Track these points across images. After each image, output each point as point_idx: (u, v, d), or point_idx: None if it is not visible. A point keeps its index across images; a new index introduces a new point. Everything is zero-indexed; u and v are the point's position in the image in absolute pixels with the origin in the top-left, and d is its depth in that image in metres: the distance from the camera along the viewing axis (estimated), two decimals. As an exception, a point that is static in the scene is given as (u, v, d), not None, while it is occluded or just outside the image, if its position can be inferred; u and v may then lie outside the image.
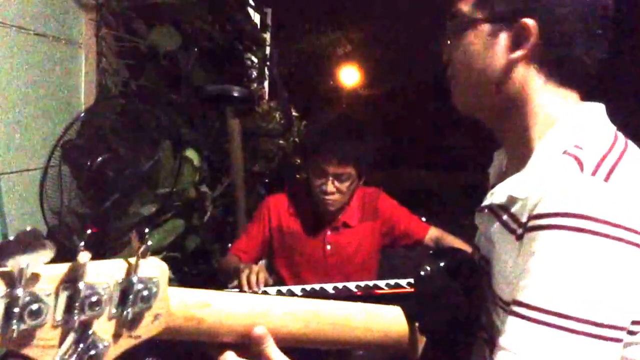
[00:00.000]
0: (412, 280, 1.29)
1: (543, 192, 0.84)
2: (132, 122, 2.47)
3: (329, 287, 2.18)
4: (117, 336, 0.69)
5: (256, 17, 4.39)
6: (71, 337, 0.65)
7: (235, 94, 2.96)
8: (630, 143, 0.94)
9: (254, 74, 4.27)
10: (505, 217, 0.94)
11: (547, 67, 0.95)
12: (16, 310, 0.60)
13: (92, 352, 0.67)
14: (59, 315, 0.64)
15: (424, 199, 7.13)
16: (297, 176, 4.28)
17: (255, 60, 4.17)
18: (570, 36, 0.92)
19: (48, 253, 0.61)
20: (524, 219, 0.88)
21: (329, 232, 2.45)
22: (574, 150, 0.88)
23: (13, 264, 0.59)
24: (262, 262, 2.52)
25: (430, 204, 6.67)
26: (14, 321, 0.60)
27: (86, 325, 0.66)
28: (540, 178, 0.87)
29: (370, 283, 2.25)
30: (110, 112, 2.40)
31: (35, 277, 0.62)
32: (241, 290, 2.06)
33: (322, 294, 2.11)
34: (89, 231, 0.66)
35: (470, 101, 1.04)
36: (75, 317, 0.64)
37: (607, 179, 0.84)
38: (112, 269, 0.68)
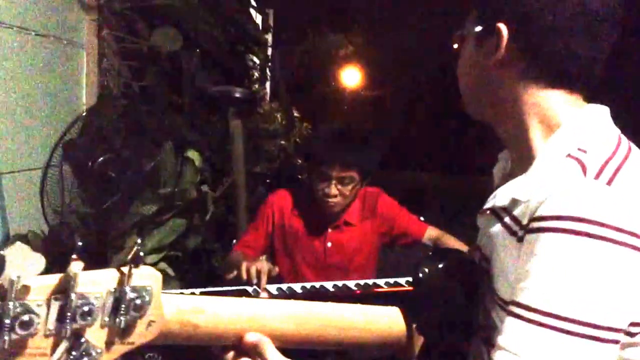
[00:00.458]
0: (411, 279, 1.30)
1: (545, 195, 0.85)
2: (134, 123, 2.48)
3: (328, 285, 2.19)
4: (110, 343, 0.70)
5: (258, 18, 4.41)
6: (63, 346, 0.66)
7: (237, 95, 2.97)
8: (634, 147, 0.94)
9: (256, 75, 4.28)
10: (507, 219, 0.94)
11: (529, 67, 0.94)
12: (7, 321, 0.61)
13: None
14: (51, 325, 0.65)
15: (426, 199, 7.13)
16: (299, 177, 4.29)
17: (257, 61, 4.18)
18: (544, 33, 0.91)
19: (38, 265, 0.62)
20: (525, 221, 0.88)
21: (330, 230, 2.46)
22: (578, 153, 0.88)
23: (3, 277, 0.60)
24: (262, 258, 2.52)
25: (432, 204, 6.67)
26: (5, 332, 0.61)
27: (78, 334, 0.67)
28: (543, 181, 0.88)
29: (370, 281, 2.25)
30: (112, 112, 2.41)
31: (25, 289, 0.62)
32: (240, 282, 2.06)
33: (322, 292, 2.11)
34: (79, 243, 0.67)
35: (472, 107, 1.05)
36: (67, 327, 0.65)
37: (610, 182, 0.84)
38: (104, 279, 0.69)
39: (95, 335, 0.69)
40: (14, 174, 2.28)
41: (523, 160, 0.96)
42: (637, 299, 0.81)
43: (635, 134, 1.00)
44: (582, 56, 0.92)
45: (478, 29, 0.98)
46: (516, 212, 0.92)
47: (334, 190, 2.30)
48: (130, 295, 0.70)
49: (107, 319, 0.69)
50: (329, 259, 2.45)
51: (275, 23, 5.53)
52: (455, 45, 1.07)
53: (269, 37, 4.89)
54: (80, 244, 0.67)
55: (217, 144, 3.33)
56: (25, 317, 0.62)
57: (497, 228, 0.96)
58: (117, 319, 0.69)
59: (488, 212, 0.99)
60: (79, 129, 2.19)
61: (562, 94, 0.95)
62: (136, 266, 0.69)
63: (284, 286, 2.16)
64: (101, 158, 2.21)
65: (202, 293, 2.04)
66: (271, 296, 2.06)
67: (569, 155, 0.89)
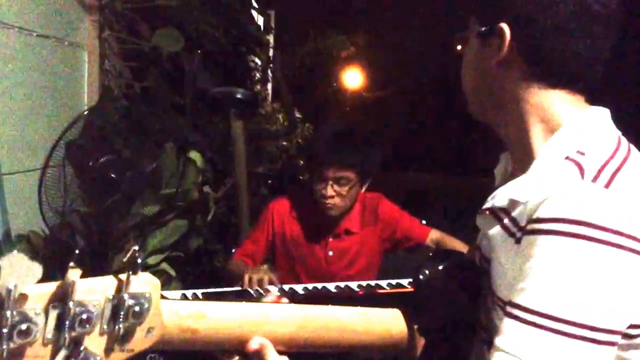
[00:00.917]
0: (412, 281, 1.30)
1: (543, 197, 0.85)
2: (135, 124, 2.48)
3: (331, 287, 2.18)
4: (109, 350, 0.70)
5: (260, 20, 4.41)
6: (62, 354, 0.66)
7: (239, 96, 2.97)
8: (634, 149, 0.94)
9: (258, 76, 4.28)
10: (506, 220, 0.94)
11: (531, 67, 0.95)
12: (5, 330, 0.60)
13: None
14: (49, 333, 0.64)
15: (429, 201, 7.13)
16: (300, 177, 4.29)
17: (258, 62, 4.18)
18: (544, 33, 0.92)
19: (36, 274, 0.61)
20: (523, 223, 0.89)
21: (330, 239, 2.45)
22: (576, 155, 0.88)
23: (0, 286, 0.59)
24: (265, 267, 2.51)
25: (435, 206, 6.66)
26: (3, 341, 0.61)
27: (77, 342, 0.67)
28: (542, 183, 0.88)
29: (372, 282, 2.24)
30: (113, 113, 2.41)
31: (23, 297, 0.62)
32: (244, 289, 2.06)
33: (324, 293, 2.11)
34: (77, 251, 0.67)
35: (475, 107, 1.06)
36: (66, 334, 0.65)
37: (608, 185, 0.84)
38: (102, 286, 0.68)
39: (94, 343, 0.68)
40: (16, 175, 2.28)
41: (524, 160, 0.97)
42: (635, 300, 0.81)
43: (637, 136, 1.00)
44: (583, 56, 0.92)
45: (481, 29, 0.98)
46: (514, 213, 0.92)
47: (330, 191, 2.28)
48: (129, 302, 0.69)
49: (105, 326, 0.68)
50: (330, 267, 2.43)
51: (276, 24, 5.54)
52: (459, 47, 1.07)
53: (271, 38, 4.89)
54: (77, 251, 0.67)
55: (219, 144, 3.33)
56: (23, 326, 0.62)
57: (495, 229, 0.96)
58: (116, 326, 0.69)
59: (487, 212, 0.99)
60: (80, 130, 2.19)
61: (564, 95, 0.95)
62: (134, 273, 0.69)
63: (286, 287, 2.15)
64: (102, 159, 2.21)
65: (203, 294, 2.04)
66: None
67: (567, 157, 0.89)
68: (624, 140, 0.94)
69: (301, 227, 2.44)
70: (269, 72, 4.28)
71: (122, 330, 0.69)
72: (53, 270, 0.68)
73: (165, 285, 2.48)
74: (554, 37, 0.91)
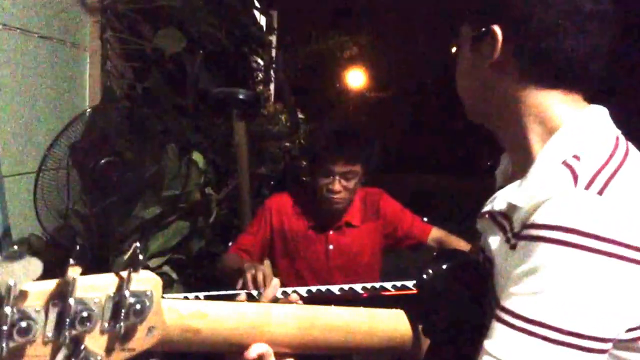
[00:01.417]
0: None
1: (537, 203, 0.85)
2: (137, 125, 2.47)
3: (334, 289, 2.17)
4: (109, 350, 0.69)
5: (262, 20, 4.40)
6: (62, 353, 0.65)
7: (241, 97, 2.96)
8: (632, 150, 0.93)
9: (260, 76, 4.27)
10: (504, 224, 0.95)
11: (525, 68, 0.94)
12: (5, 328, 0.60)
13: None
14: (50, 332, 0.64)
15: (432, 202, 7.12)
16: (304, 178, 4.27)
17: (261, 62, 4.17)
18: (536, 33, 0.92)
19: (36, 270, 0.60)
20: (517, 229, 0.89)
21: (331, 232, 2.44)
22: (572, 161, 0.88)
23: (0, 283, 0.59)
24: (267, 262, 2.50)
25: (438, 207, 6.65)
26: (3, 339, 0.60)
27: (78, 341, 0.66)
28: (537, 188, 0.88)
29: (377, 284, 2.23)
30: (115, 115, 2.40)
31: (23, 295, 0.61)
32: (246, 289, 2.04)
33: (328, 296, 2.09)
34: (77, 247, 0.66)
35: (472, 111, 1.06)
36: (66, 333, 0.64)
37: (601, 192, 0.84)
38: (103, 284, 0.68)
39: (95, 342, 0.67)
40: (17, 177, 2.27)
41: (523, 163, 0.96)
42: (627, 307, 0.81)
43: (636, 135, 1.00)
44: (576, 54, 0.92)
45: (473, 34, 0.99)
46: (512, 217, 0.92)
47: (337, 186, 2.28)
48: (130, 300, 0.68)
49: (106, 324, 0.68)
50: (332, 261, 2.42)
51: (279, 24, 5.53)
52: (454, 50, 1.07)
53: (273, 39, 4.88)
54: (78, 247, 0.65)
55: (221, 146, 3.31)
56: (24, 324, 0.61)
57: (494, 233, 0.97)
58: (117, 325, 0.68)
59: (486, 216, 1.00)
60: (81, 131, 2.18)
61: (560, 94, 0.95)
62: (135, 270, 0.68)
63: (289, 290, 2.14)
64: (103, 160, 2.20)
65: (206, 297, 2.02)
66: (275, 299, 2.04)
67: (564, 162, 0.89)
68: (622, 141, 0.94)
69: (300, 222, 2.44)
70: (272, 72, 4.27)
71: (123, 329, 0.68)
72: (54, 275, 0.66)
73: (168, 288, 2.47)
74: (545, 36, 0.91)
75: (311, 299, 2.05)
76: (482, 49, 0.97)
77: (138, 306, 0.69)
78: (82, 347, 0.66)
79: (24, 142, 2.31)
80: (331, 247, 2.43)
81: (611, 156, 0.89)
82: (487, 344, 0.84)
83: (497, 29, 0.94)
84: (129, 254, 0.67)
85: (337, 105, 9.37)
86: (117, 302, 0.68)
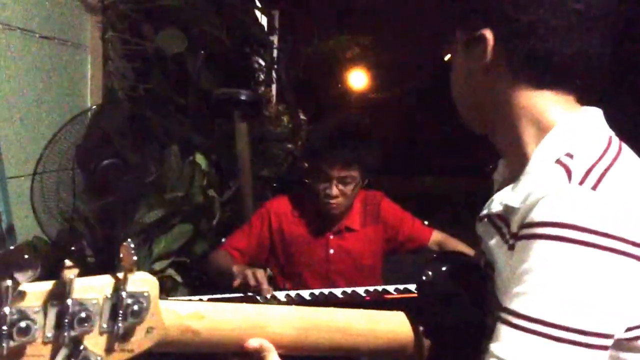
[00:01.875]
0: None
1: (532, 202, 0.86)
2: (139, 126, 2.45)
3: (337, 292, 2.15)
4: (109, 351, 0.69)
5: (263, 20, 4.38)
6: (62, 353, 0.66)
7: (243, 98, 2.94)
8: (625, 149, 0.94)
9: (262, 77, 4.26)
10: (501, 226, 0.95)
11: (517, 69, 0.95)
12: (4, 328, 0.60)
13: None
14: (49, 332, 0.64)
15: (435, 203, 7.09)
16: (306, 180, 4.25)
17: (262, 63, 4.16)
18: (526, 34, 0.92)
19: (34, 270, 0.60)
20: (514, 229, 0.89)
21: (331, 237, 2.41)
22: (565, 159, 0.89)
23: None
24: (268, 271, 2.46)
25: (441, 208, 6.63)
26: (3, 339, 0.60)
27: (77, 341, 0.66)
28: (532, 188, 0.88)
29: (379, 288, 2.21)
30: (117, 116, 2.38)
31: (21, 295, 0.62)
32: (248, 286, 2.01)
33: (330, 299, 2.08)
34: (73, 248, 0.66)
35: (466, 116, 1.07)
36: (66, 333, 0.64)
37: (595, 187, 0.84)
38: (100, 285, 0.68)
39: (94, 342, 0.68)
40: (21, 179, 2.25)
41: (518, 165, 0.97)
42: (626, 303, 0.82)
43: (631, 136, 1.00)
44: (567, 54, 0.92)
45: (465, 38, 0.99)
46: (509, 219, 0.93)
47: (335, 191, 2.25)
48: (127, 301, 0.69)
49: (105, 325, 0.68)
50: (332, 266, 2.39)
51: (281, 25, 5.52)
52: (448, 56, 1.08)
53: (275, 39, 4.87)
54: (74, 248, 0.64)
55: (223, 147, 3.29)
56: (23, 324, 0.62)
57: (493, 235, 0.97)
58: (116, 326, 0.68)
59: (485, 219, 1.00)
60: (82, 132, 2.16)
61: (552, 96, 0.95)
62: (131, 272, 0.69)
63: (292, 293, 2.12)
64: (105, 162, 2.18)
65: (210, 300, 2.00)
66: (279, 303, 2.02)
67: (558, 160, 0.89)
68: (615, 140, 0.94)
69: (300, 226, 2.40)
70: (274, 73, 4.25)
71: (121, 330, 0.69)
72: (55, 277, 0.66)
73: (172, 291, 2.45)
74: (534, 38, 0.92)
75: (314, 303, 2.03)
76: (474, 53, 0.98)
77: (135, 307, 0.70)
78: (82, 347, 0.67)
79: (25, 143, 2.29)
80: (332, 251, 2.40)
81: (604, 153, 0.90)
82: (493, 346, 0.84)
83: (487, 32, 0.94)
84: (122, 254, 0.68)
85: (339, 106, 9.36)
86: (115, 302, 0.68)
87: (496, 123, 1.00)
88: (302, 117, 4.81)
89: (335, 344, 0.92)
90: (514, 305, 0.83)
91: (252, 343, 0.84)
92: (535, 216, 0.84)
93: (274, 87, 4.86)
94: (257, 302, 2.02)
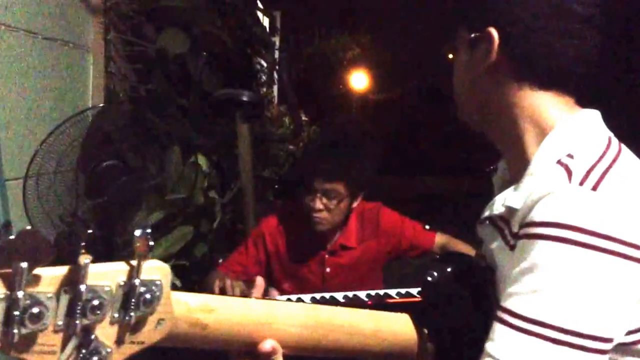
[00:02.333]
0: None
1: (533, 202, 0.86)
2: (140, 127, 2.44)
3: (339, 297, 2.14)
4: (119, 342, 0.67)
5: (265, 21, 4.38)
6: (73, 343, 0.63)
7: (245, 99, 2.94)
8: (625, 150, 0.94)
9: (263, 78, 4.25)
10: (503, 228, 0.95)
11: (519, 69, 0.96)
12: (17, 313, 0.57)
13: (95, 359, 0.65)
14: (60, 320, 0.62)
15: (438, 204, 7.09)
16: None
17: (264, 64, 4.15)
18: (529, 35, 0.93)
19: (49, 254, 0.58)
20: (515, 229, 0.90)
21: (327, 256, 2.37)
22: (566, 159, 0.89)
23: (13, 265, 0.56)
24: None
25: (444, 209, 6.63)
26: (15, 325, 0.58)
27: (88, 330, 0.64)
28: (533, 188, 0.88)
29: (381, 292, 2.20)
30: (118, 117, 2.37)
31: (36, 279, 0.59)
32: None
33: (332, 303, 2.07)
34: (90, 231, 0.64)
35: (467, 115, 1.07)
36: (77, 322, 0.62)
37: (595, 187, 0.84)
38: (113, 271, 0.66)
39: (105, 333, 0.66)
40: (19, 180, 2.24)
41: (519, 166, 0.97)
42: (625, 306, 0.81)
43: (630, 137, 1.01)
44: (568, 56, 0.94)
45: (469, 36, 1.00)
46: (510, 220, 0.93)
47: (318, 204, 2.20)
48: (140, 289, 0.67)
49: (116, 314, 0.66)
50: (329, 283, 2.36)
51: (282, 25, 5.51)
52: (450, 55, 1.08)
53: (276, 40, 4.86)
54: (89, 235, 0.63)
55: (224, 148, 3.28)
56: (35, 310, 0.59)
57: (495, 237, 0.98)
58: (127, 315, 0.66)
59: (486, 221, 1.00)
60: (81, 133, 2.15)
61: (554, 97, 0.96)
62: (145, 258, 0.66)
63: (293, 297, 2.11)
64: (105, 164, 2.18)
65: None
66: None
67: (558, 161, 0.90)
68: (614, 141, 0.95)
69: (296, 246, 2.37)
70: (275, 74, 4.25)
71: (133, 320, 0.67)
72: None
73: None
74: (538, 38, 0.93)
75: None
76: (478, 51, 0.98)
77: (148, 295, 0.67)
78: (93, 337, 0.64)
79: (26, 145, 2.28)
80: (328, 269, 2.37)
81: (604, 154, 0.90)
82: (488, 345, 0.84)
83: (493, 31, 0.95)
84: (136, 241, 0.65)
85: (340, 107, 9.35)
86: (128, 290, 0.66)
87: (497, 122, 1.01)
88: (303, 117, 4.81)
89: (340, 342, 0.92)
90: (511, 304, 0.83)
91: (266, 345, 0.83)
92: (536, 216, 0.84)
93: (275, 88, 4.85)
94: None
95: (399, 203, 2.61)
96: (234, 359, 0.86)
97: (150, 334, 0.70)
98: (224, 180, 3.29)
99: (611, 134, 0.96)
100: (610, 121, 0.98)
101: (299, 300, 2.08)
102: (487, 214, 1.00)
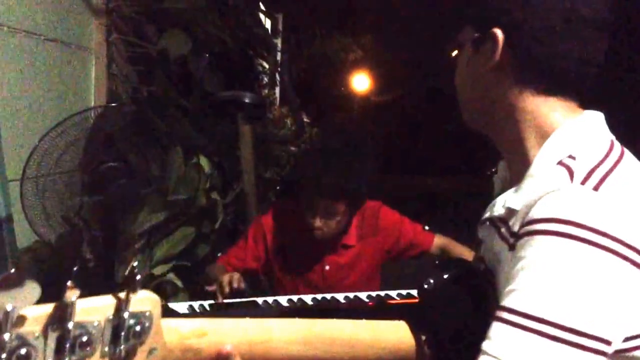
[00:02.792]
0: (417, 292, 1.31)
1: (533, 201, 0.86)
2: (142, 128, 2.45)
3: (340, 297, 2.14)
4: None
5: (267, 23, 4.38)
6: None
7: (247, 100, 2.94)
8: (627, 153, 0.94)
9: (265, 79, 4.25)
10: (503, 229, 0.95)
11: (524, 72, 0.95)
12: (4, 356, 0.57)
13: None
14: (50, 358, 0.61)
15: (439, 204, 7.08)
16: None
17: (266, 65, 4.15)
18: (535, 38, 0.93)
19: (34, 294, 0.58)
20: (516, 229, 0.89)
21: (326, 254, 2.38)
22: (567, 160, 0.89)
23: None
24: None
25: (445, 209, 6.62)
26: None
27: None
28: (534, 189, 0.88)
29: (382, 293, 2.20)
30: (120, 118, 2.37)
31: (21, 319, 0.59)
32: (252, 301, 2.02)
33: (333, 304, 2.07)
34: (75, 268, 0.63)
35: (469, 115, 1.06)
36: (67, 359, 0.62)
37: (596, 188, 0.84)
38: (101, 306, 0.65)
39: None
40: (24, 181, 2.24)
41: (520, 168, 0.97)
42: (623, 308, 0.80)
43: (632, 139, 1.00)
44: (574, 60, 0.93)
45: (474, 36, 0.99)
46: (511, 221, 0.92)
47: (318, 222, 2.21)
48: (130, 322, 0.66)
49: (107, 349, 0.65)
50: (328, 281, 2.37)
51: (284, 27, 5.51)
52: (454, 54, 1.08)
53: (278, 42, 4.87)
54: (76, 268, 0.62)
55: (227, 149, 3.28)
56: (23, 351, 0.58)
57: (495, 239, 0.97)
58: (117, 349, 0.66)
59: (487, 222, 1.00)
60: (81, 133, 2.16)
61: (557, 101, 0.96)
62: (133, 291, 0.66)
63: (295, 298, 2.11)
64: (107, 164, 2.18)
65: (210, 305, 2.00)
66: (282, 308, 2.02)
67: (559, 162, 0.89)
68: (616, 144, 0.94)
69: (295, 242, 2.37)
70: (277, 75, 4.25)
71: (123, 353, 0.66)
72: (60, 281, 0.63)
73: (172, 297, 2.44)
74: (545, 41, 0.92)
75: (316, 307, 2.02)
76: (482, 52, 0.98)
77: (138, 327, 0.67)
78: None
79: (29, 145, 2.28)
80: (327, 267, 2.37)
81: (606, 156, 0.90)
82: (485, 343, 0.83)
83: (498, 31, 0.94)
84: (126, 273, 0.65)
85: (341, 108, 9.34)
86: (117, 324, 0.66)
87: (498, 124, 1.00)
88: (305, 119, 4.81)
89: (341, 357, 0.91)
90: (508, 301, 0.82)
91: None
92: (535, 213, 0.84)
93: (277, 89, 4.86)
94: (258, 306, 2.02)
95: (400, 202, 2.61)
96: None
97: None
98: (226, 181, 3.29)
99: (613, 137, 0.96)
100: (612, 122, 0.97)
101: (300, 300, 2.08)
102: (487, 215, 1.00)
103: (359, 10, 9.19)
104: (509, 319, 0.81)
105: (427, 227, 2.50)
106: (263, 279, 2.58)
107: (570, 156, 0.89)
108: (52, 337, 0.61)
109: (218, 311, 1.95)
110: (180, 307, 1.93)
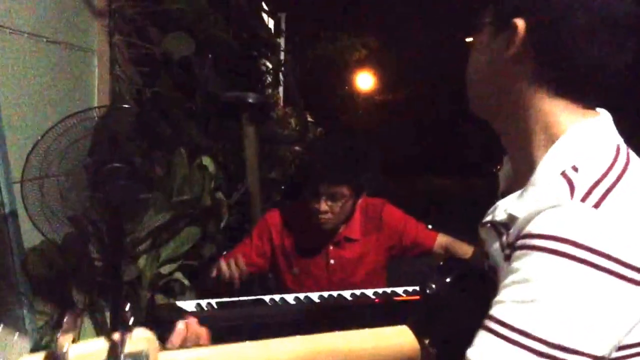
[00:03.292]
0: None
1: (532, 214, 0.85)
2: (146, 130, 2.45)
3: (346, 294, 2.14)
4: None
5: (270, 23, 4.38)
6: None
7: (251, 101, 2.94)
8: (633, 160, 0.92)
9: (269, 79, 4.25)
10: (503, 234, 0.94)
11: (541, 68, 0.93)
12: None
13: None
14: None
15: (443, 204, 7.08)
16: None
17: (270, 65, 4.15)
18: (565, 35, 0.90)
19: (23, 348, 0.58)
20: (511, 239, 0.89)
21: (331, 247, 2.41)
22: (570, 172, 0.88)
23: None
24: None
25: (449, 209, 6.62)
26: None
27: None
28: (535, 199, 0.87)
29: (389, 290, 2.20)
30: (123, 119, 2.37)
31: None
32: (259, 298, 2.02)
33: (340, 301, 2.07)
34: (67, 317, 0.62)
35: (478, 104, 1.04)
36: None
37: (597, 205, 0.83)
38: (95, 351, 0.64)
39: None
40: (28, 182, 2.24)
41: (524, 167, 0.96)
42: (617, 326, 0.80)
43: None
44: (590, 60, 0.90)
45: (496, 20, 0.97)
46: (510, 229, 0.92)
47: (323, 206, 2.26)
48: None
49: None
50: (334, 276, 2.40)
51: (287, 27, 5.51)
52: (471, 38, 1.06)
53: (282, 42, 4.86)
54: (68, 314, 0.61)
55: (231, 150, 3.29)
56: None
57: (495, 242, 0.97)
58: None
59: (488, 225, 0.99)
60: (82, 133, 2.15)
61: (570, 104, 0.94)
62: (129, 332, 0.65)
63: (302, 295, 2.11)
64: (111, 165, 2.18)
65: (218, 303, 2.00)
66: (289, 306, 2.02)
67: (562, 173, 0.88)
68: (622, 150, 0.92)
69: (300, 238, 2.41)
70: (281, 75, 4.25)
71: None
72: (66, 281, 0.62)
73: (180, 295, 2.46)
74: (573, 40, 0.89)
75: (323, 305, 2.02)
76: (501, 38, 0.95)
77: None
78: None
79: (30, 147, 2.29)
80: (332, 261, 2.40)
81: (610, 168, 0.88)
82: (469, 350, 0.83)
83: (520, 22, 0.92)
84: (119, 315, 0.65)
85: (346, 108, 9.35)
86: None
87: (506, 115, 0.98)
88: (309, 119, 4.82)
89: None
90: (498, 312, 0.82)
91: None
92: (533, 228, 0.83)
93: (281, 89, 4.85)
94: (265, 304, 2.02)
95: (404, 201, 2.61)
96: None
97: None
98: (231, 182, 3.30)
99: (621, 141, 0.94)
100: (620, 123, 0.96)
101: (307, 298, 2.08)
102: (489, 218, 0.99)
103: (363, 11, 9.20)
104: (497, 330, 0.81)
105: (430, 226, 2.51)
106: (271, 277, 2.61)
107: (573, 167, 0.88)
108: None
109: (225, 309, 1.95)
110: (188, 305, 1.94)
